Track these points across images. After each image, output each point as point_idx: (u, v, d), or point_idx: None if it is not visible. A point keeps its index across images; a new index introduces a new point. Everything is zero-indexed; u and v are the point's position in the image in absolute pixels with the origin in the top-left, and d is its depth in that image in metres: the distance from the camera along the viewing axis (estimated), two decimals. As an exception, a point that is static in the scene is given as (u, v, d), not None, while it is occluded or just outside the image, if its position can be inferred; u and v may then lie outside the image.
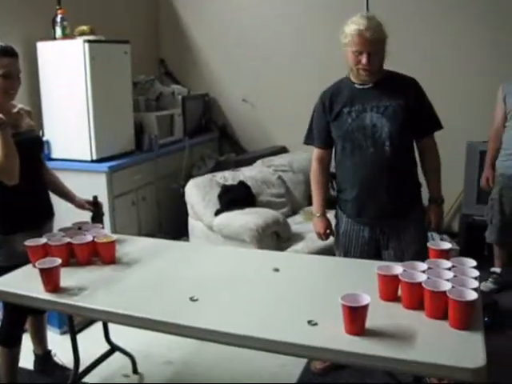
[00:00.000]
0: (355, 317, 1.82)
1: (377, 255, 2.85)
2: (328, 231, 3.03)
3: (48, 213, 3.00)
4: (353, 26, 2.63)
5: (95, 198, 3.11)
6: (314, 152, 3.01)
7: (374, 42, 2.61)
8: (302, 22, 5.43)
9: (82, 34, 4.26)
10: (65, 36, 4.27)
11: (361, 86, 2.76)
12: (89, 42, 4.15)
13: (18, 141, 2.61)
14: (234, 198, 4.40)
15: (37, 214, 2.87)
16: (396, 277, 2.00)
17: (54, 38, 4.28)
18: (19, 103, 2.93)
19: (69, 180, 4.27)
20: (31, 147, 2.82)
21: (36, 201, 2.87)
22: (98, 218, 3.08)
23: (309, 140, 3.02)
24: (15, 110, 2.79)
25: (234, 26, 5.75)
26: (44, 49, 4.29)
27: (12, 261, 2.62)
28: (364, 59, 2.62)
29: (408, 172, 2.86)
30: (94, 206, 3.09)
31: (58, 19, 4.25)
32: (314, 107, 3.00)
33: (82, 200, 3.12)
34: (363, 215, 2.84)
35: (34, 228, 2.78)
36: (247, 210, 4.27)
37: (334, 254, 3.06)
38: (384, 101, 2.71)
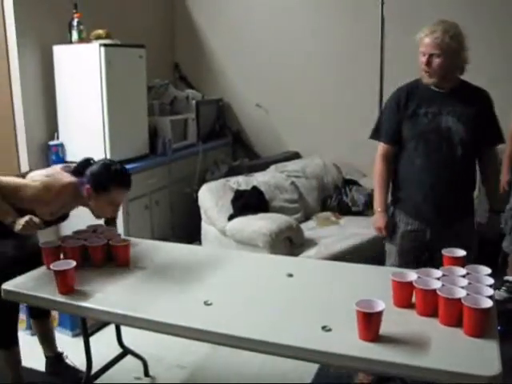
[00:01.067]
0: (369, 323, 1.81)
1: (430, 258, 2.85)
2: (386, 226, 3.01)
3: None
4: (424, 30, 2.74)
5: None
6: (380, 148, 2.98)
7: (436, 45, 2.68)
8: (317, 26, 5.44)
9: (98, 37, 4.29)
10: (81, 40, 4.29)
11: (437, 90, 2.81)
12: (105, 45, 4.17)
13: None
14: (248, 203, 4.40)
15: None
16: (410, 283, 1.99)
17: (70, 42, 4.31)
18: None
19: (83, 183, 4.31)
20: None
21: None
22: (111, 221, 3.10)
23: (376, 136, 3.01)
24: None
25: (249, 31, 5.76)
26: (60, 52, 4.32)
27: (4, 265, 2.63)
28: (425, 60, 2.72)
29: (472, 179, 2.93)
30: (112, 220, 3.11)
31: (75, 23, 4.27)
32: (385, 102, 3.04)
33: None
34: (425, 215, 2.86)
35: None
36: (260, 215, 4.27)
37: (345, 260, 3.06)
38: (459, 107, 2.75)
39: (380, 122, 3.01)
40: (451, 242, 2.52)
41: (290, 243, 4.10)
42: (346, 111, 5.35)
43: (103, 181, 2.64)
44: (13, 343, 2.86)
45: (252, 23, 5.75)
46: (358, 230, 4.30)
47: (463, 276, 2.04)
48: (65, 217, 2.87)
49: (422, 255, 2.89)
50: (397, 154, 2.93)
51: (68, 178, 2.66)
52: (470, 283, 1.97)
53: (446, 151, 2.76)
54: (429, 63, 2.71)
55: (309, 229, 4.47)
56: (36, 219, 2.47)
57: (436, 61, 2.70)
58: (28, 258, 2.67)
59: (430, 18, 2.78)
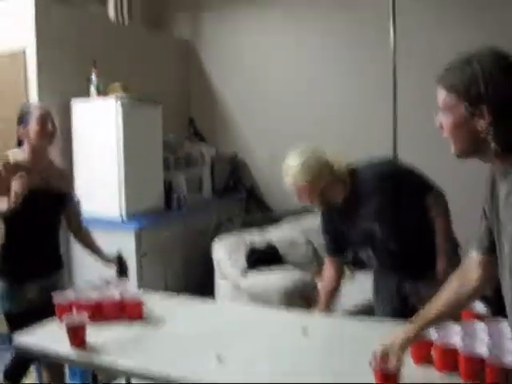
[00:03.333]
0: (387, 382, 1.76)
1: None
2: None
3: (55, 264, 3.10)
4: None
5: (119, 254, 3.14)
6: (326, 261, 2.99)
7: (297, 181, 2.68)
8: (330, 78, 5.52)
9: (115, 91, 4.36)
10: (98, 93, 4.38)
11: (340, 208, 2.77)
12: (121, 100, 4.25)
13: (45, 195, 2.86)
14: (262, 257, 4.37)
15: (44, 265, 2.98)
16: (429, 340, 1.94)
17: (89, 96, 4.39)
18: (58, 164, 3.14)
19: (97, 237, 4.31)
20: (53, 202, 2.96)
21: (44, 252, 2.97)
22: (122, 274, 3.09)
23: (326, 252, 3.03)
24: (53, 168, 3.04)
25: (262, 86, 5.84)
26: (78, 106, 4.41)
27: (22, 308, 2.80)
28: (297, 196, 2.76)
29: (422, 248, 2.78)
30: (119, 262, 3.10)
31: (93, 77, 4.37)
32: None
33: (108, 257, 3.17)
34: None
35: (42, 278, 2.93)
36: (275, 270, 4.24)
37: (361, 315, 3.00)
38: (363, 209, 2.69)
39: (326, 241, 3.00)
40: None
41: (304, 299, 4.04)
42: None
43: None
44: (20, 379, 2.99)
45: (265, 78, 5.84)
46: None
47: (484, 332, 1.98)
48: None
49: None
50: None
51: None
52: (491, 339, 1.91)
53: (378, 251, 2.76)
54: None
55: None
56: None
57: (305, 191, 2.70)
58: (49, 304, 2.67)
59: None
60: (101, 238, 4.25)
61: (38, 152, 2.90)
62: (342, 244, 2.87)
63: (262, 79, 5.87)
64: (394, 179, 2.67)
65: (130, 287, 2.91)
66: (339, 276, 2.92)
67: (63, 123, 4.39)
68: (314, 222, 5.11)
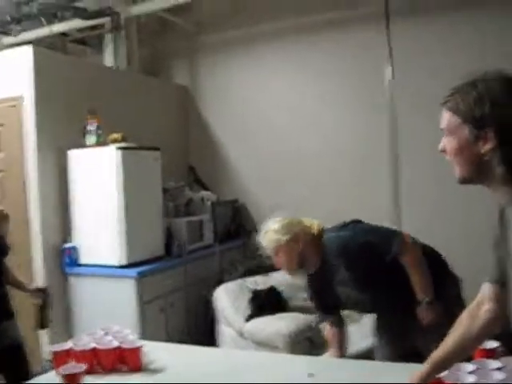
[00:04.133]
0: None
1: None
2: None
3: (5, 313, 2.99)
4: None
5: (44, 287, 3.09)
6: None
7: (270, 247, 2.86)
8: (330, 124, 5.52)
9: (114, 141, 4.36)
10: (98, 143, 4.37)
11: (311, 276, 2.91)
12: (121, 148, 4.24)
13: None
14: (265, 302, 4.31)
15: None
16: (439, 380, 1.85)
17: (85, 146, 4.38)
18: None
19: (97, 285, 4.26)
20: None
21: None
22: (46, 306, 3.01)
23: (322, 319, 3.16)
24: None
25: (262, 133, 5.86)
26: (75, 156, 4.40)
27: None
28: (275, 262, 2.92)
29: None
30: (43, 292, 3.04)
31: (92, 127, 4.37)
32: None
33: (32, 287, 3.12)
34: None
35: None
36: (279, 315, 4.16)
37: (369, 359, 2.90)
38: (336, 275, 2.77)
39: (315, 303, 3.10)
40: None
41: (310, 343, 3.94)
42: (368, 210, 5.31)
43: None
44: None
45: (264, 126, 5.85)
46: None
47: (498, 369, 1.89)
48: None
49: None
50: None
51: None
52: (507, 377, 1.82)
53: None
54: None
55: (329, 328, 4.31)
56: None
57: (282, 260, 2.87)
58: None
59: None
60: (100, 287, 4.21)
61: None
62: (329, 302, 2.94)
63: (260, 125, 5.88)
64: (355, 249, 2.72)
65: (130, 336, 2.82)
66: (341, 328, 3.01)
67: (60, 172, 4.39)
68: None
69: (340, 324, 3.00)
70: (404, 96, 4.91)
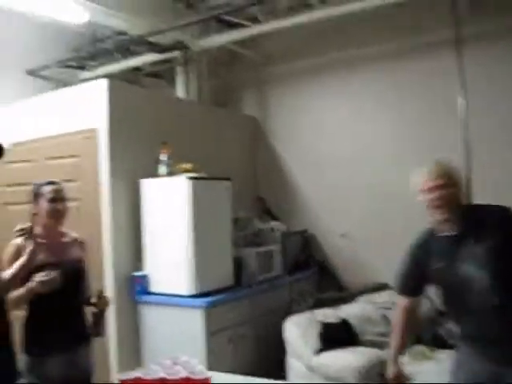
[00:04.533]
0: None
1: None
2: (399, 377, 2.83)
3: (81, 339, 2.99)
4: (419, 172, 2.71)
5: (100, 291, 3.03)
6: (399, 300, 2.88)
7: (439, 177, 2.57)
8: (401, 155, 5.42)
9: (185, 171, 4.41)
10: (169, 173, 4.43)
11: (446, 236, 2.59)
12: (191, 178, 4.27)
13: (60, 266, 2.78)
14: (336, 336, 4.20)
15: (68, 339, 2.89)
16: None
17: (157, 176, 4.45)
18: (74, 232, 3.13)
19: (166, 314, 4.29)
20: (71, 276, 2.88)
21: (68, 325, 2.90)
22: (101, 316, 3.00)
23: (402, 291, 2.87)
24: (66, 239, 3.03)
25: (331, 163, 5.82)
26: (148, 185, 4.47)
27: (46, 382, 2.71)
28: (433, 195, 2.56)
29: None
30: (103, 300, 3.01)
31: (164, 158, 4.44)
32: (404, 257, 2.83)
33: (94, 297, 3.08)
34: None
35: (66, 353, 2.85)
36: (350, 349, 4.04)
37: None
38: (475, 248, 2.46)
39: (404, 278, 2.84)
40: None
41: (381, 379, 3.80)
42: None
43: None
44: None
45: (333, 156, 5.82)
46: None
47: None
48: None
49: None
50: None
51: None
52: None
53: (476, 304, 2.45)
54: (439, 196, 2.54)
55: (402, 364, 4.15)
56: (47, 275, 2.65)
57: (445, 192, 2.54)
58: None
59: None
60: (169, 316, 4.22)
61: (51, 230, 2.97)
62: (420, 285, 2.74)
63: (328, 154, 5.85)
64: None
65: (198, 366, 2.79)
66: (411, 316, 2.81)
67: (132, 201, 4.47)
68: (389, 297, 4.92)
69: (413, 311, 2.82)
70: (479, 128, 4.77)
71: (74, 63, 5.84)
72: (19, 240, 2.77)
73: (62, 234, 3.06)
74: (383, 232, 5.47)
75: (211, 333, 4.17)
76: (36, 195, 2.94)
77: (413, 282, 2.77)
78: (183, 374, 2.51)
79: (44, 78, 5.69)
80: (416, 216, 5.25)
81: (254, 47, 6.18)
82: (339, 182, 5.76)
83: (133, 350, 4.37)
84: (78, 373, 2.92)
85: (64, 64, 5.70)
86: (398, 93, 5.46)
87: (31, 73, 5.60)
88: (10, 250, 2.81)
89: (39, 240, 2.80)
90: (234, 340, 4.45)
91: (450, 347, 4.43)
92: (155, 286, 4.38)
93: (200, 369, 2.68)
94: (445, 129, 5.06)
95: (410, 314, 2.81)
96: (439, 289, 2.67)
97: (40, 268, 2.73)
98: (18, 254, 2.73)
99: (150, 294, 4.39)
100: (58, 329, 2.84)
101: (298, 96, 6.07)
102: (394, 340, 2.87)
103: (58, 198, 2.95)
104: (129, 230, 4.48)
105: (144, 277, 4.38)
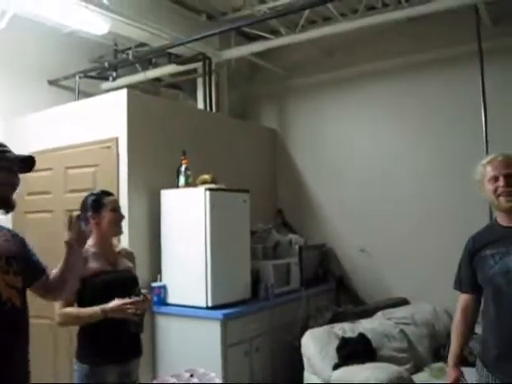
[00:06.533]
0: None
1: None
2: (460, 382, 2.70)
3: (134, 351, 3.05)
4: (485, 160, 2.61)
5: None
6: (460, 298, 2.77)
7: (508, 164, 2.52)
8: (419, 168, 5.40)
9: (204, 182, 4.40)
10: (187, 184, 4.42)
11: (505, 225, 2.56)
12: (210, 190, 4.26)
13: (114, 278, 2.93)
14: (354, 351, 4.14)
15: (125, 350, 2.96)
16: None
17: (177, 187, 4.45)
18: (125, 246, 3.30)
19: (183, 325, 4.27)
20: (125, 285, 2.95)
21: (125, 337, 2.94)
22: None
23: (456, 285, 2.80)
24: (117, 249, 3.11)
25: (350, 178, 5.80)
26: (167, 196, 4.47)
27: None
28: (501, 182, 2.50)
29: None
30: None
31: (183, 169, 4.43)
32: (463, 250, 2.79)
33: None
34: (506, 373, 2.44)
35: (120, 363, 2.91)
36: (368, 364, 3.98)
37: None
38: None
39: (459, 272, 2.78)
40: None
41: (400, 397, 3.75)
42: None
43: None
44: None
45: (353, 170, 5.81)
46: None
47: None
48: None
49: None
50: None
51: None
52: None
53: None
54: (506, 183, 2.49)
55: (421, 381, 4.09)
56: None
57: None
58: None
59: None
60: (186, 327, 4.20)
61: (107, 239, 3.05)
62: (477, 281, 2.63)
63: (347, 166, 5.86)
64: None
65: (215, 379, 2.77)
66: (475, 317, 2.73)
67: (152, 212, 4.47)
68: (407, 313, 4.87)
69: (475, 311, 2.72)
70: (501, 140, 4.71)
71: (95, 74, 5.88)
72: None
73: (114, 245, 3.15)
74: (402, 247, 5.43)
75: (227, 345, 4.13)
76: (98, 204, 2.99)
77: (469, 277, 2.68)
78: (200, 386, 2.49)
79: (66, 88, 5.72)
80: (435, 231, 5.26)
81: (275, 59, 6.19)
82: (359, 196, 5.73)
83: (149, 361, 4.35)
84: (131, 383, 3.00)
85: (86, 74, 5.73)
86: (420, 104, 5.45)
87: (53, 83, 5.64)
88: None
89: (94, 249, 2.94)
90: (251, 353, 4.41)
91: (471, 365, 4.38)
92: (173, 297, 4.36)
93: (217, 382, 2.65)
94: (468, 140, 5.02)
95: (470, 314, 2.73)
96: (482, 282, 2.58)
97: (96, 275, 2.88)
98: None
99: (167, 305, 4.37)
100: (116, 339, 2.89)
101: (317, 108, 6.06)
102: (453, 343, 2.77)
103: (118, 208, 3.08)
104: (147, 241, 4.47)
105: (163, 287, 4.36)
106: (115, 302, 2.80)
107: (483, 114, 4.82)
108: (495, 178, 2.53)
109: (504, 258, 2.46)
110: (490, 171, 2.56)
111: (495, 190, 2.53)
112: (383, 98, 5.67)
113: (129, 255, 3.20)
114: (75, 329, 2.97)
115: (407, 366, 4.32)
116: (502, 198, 2.52)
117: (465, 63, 5.09)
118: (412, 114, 5.50)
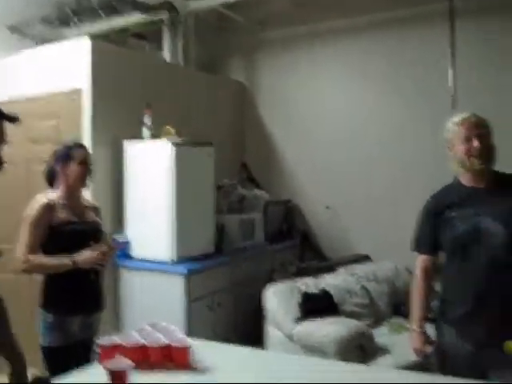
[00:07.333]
0: None
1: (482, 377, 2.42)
2: (426, 347, 2.74)
3: (97, 303, 3.11)
4: (457, 118, 2.58)
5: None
6: (418, 260, 2.77)
7: (481, 126, 2.52)
8: (388, 127, 5.40)
9: (168, 134, 4.33)
10: (151, 136, 4.35)
11: (470, 185, 2.58)
12: (174, 144, 4.20)
13: (82, 229, 2.98)
14: (316, 306, 4.20)
15: (88, 301, 3.02)
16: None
17: (141, 138, 4.37)
18: (92, 200, 3.34)
19: (146, 279, 4.26)
20: (93, 237, 2.99)
21: (87, 286, 3.00)
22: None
23: (414, 247, 2.80)
24: (84, 203, 3.13)
25: (318, 133, 5.77)
26: (131, 148, 4.40)
27: (66, 341, 2.89)
28: (475, 143, 2.49)
29: None
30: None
31: (147, 120, 4.35)
32: (420, 211, 2.78)
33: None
34: (471, 334, 2.50)
35: (83, 314, 2.99)
36: (330, 319, 4.05)
37: (426, 370, 2.77)
38: (498, 204, 2.47)
39: (417, 233, 2.79)
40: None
41: (360, 350, 3.82)
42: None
43: None
44: None
45: (321, 127, 5.78)
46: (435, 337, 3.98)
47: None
48: None
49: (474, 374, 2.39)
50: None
51: None
52: None
53: (484, 258, 2.44)
54: (480, 144, 2.49)
55: (380, 335, 4.19)
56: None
57: (484, 143, 2.50)
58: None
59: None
60: (150, 282, 4.19)
61: (75, 191, 3.05)
62: (438, 241, 2.64)
63: (317, 124, 5.81)
64: None
65: (178, 333, 2.77)
66: (433, 278, 2.75)
67: (115, 164, 4.40)
68: (370, 269, 4.94)
69: (432, 272, 2.73)
70: (468, 99, 4.73)
71: (57, 20, 5.66)
72: (46, 198, 2.90)
73: (81, 197, 3.14)
74: (367, 206, 5.48)
75: (191, 299, 4.15)
76: (67, 157, 2.98)
77: (429, 238, 2.69)
78: (164, 341, 2.48)
79: (27, 35, 5.51)
80: (400, 192, 5.31)
81: (245, 11, 6.05)
82: (327, 154, 5.73)
83: (113, 315, 4.34)
84: (91, 336, 3.01)
85: (47, 21, 5.52)
86: (390, 62, 5.42)
87: (14, 29, 5.42)
88: (36, 208, 2.88)
89: (62, 200, 2.95)
90: (214, 307, 4.44)
91: (430, 321, 4.48)
92: (137, 251, 4.34)
93: (181, 336, 2.65)
94: (436, 99, 5.03)
95: (430, 276, 2.74)
96: (446, 242, 2.60)
97: (64, 224, 2.89)
98: (46, 216, 2.85)
99: (131, 258, 4.35)
100: (81, 287, 2.95)
101: (288, 63, 5.98)
102: (415, 306, 2.77)
103: (87, 161, 3.05)
104: (110, 193, 4.41)
105: (126, 242, 4.32)
106: (87, 254, 2.86)
107: (451, 73, 4.83)
108: (468, 139, 2.52)
109: (471, 219, 2.48)
110: (462, 131, 2.54)
111: (468, 150, 2.52)
112: (354, 56, 5.62)
113: (95, 209, 3.20)
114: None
115: (367, 322, 4.41)
116: (474, 159, 2.51)
117: (436, 22, 5.06)
118: (382, 74, 5.47)
